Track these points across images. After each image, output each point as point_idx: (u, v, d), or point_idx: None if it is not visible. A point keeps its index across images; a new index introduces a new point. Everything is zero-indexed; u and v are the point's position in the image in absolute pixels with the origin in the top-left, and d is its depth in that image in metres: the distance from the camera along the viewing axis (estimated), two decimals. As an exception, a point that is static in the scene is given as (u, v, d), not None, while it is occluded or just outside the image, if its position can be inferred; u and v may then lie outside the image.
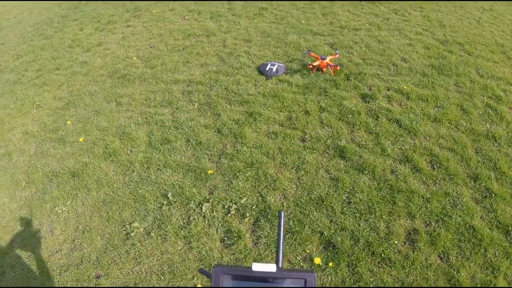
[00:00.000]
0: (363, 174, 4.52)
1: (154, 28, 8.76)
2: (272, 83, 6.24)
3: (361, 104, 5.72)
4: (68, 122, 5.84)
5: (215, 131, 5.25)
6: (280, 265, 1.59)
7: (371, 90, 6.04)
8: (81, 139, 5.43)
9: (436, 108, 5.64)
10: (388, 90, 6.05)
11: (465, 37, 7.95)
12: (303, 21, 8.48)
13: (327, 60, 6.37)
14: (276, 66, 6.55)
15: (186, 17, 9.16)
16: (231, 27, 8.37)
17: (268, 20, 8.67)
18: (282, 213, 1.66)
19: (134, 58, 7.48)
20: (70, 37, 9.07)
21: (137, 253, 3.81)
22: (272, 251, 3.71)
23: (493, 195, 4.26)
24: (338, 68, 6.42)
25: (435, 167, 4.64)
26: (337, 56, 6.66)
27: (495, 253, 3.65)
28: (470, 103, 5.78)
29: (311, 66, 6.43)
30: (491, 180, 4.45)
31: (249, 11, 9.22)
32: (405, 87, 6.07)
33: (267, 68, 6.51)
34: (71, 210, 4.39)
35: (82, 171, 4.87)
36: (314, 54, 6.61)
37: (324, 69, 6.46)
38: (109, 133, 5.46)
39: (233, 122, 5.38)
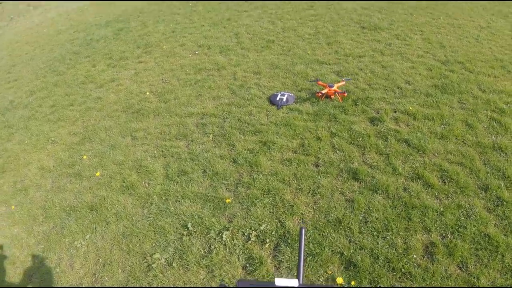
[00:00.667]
0: (377, 193, 4.61)
1: (165, 63, 8.99)
2: (283, 112, 6.39)
3: (370, 127, 5.86)
4: (84, 157, 5.97)
5: (230, 161, 5.37)
6: (301, 281, 1.65)
7: (378, 113, 6.19)
8: (98, 174, 5.54)
9: (442, 126, 5.78)
10: (395, 112, 6.20)
11: (465, 55, 8.14)
12: (309, 52, 8.69)
13: (335, 87, 6.55)
14: (286, 96, 6.71)
15: (196, 52, 9.39)
16: (240, 60, 8.58)
17: (276, 52, 8.88)
18: (303, 229, 1.73)
19: (148, 93, 7.67)
20: (83, 73, 9.32)
21: (159, 284, 3.86)
22: (295, 274, 3.77)
23: (504, 202, 4.35)
24: (346, 94, 6.58)
25: (446, 181, 4.74)
26: (344, 83, 6.83)
27: (513, 258, 3.73)
28: (474, 118, 5.93)
29: (319, 94, 6.60)
30: (501, 189, 4.55)
31: (257, 44, 9.46)
32: (411, 108, 6.21)
33: (277, 98, 6.68)
34: (90, 244, 4.45)
35: (100, 205, 4.96)
36: (321, 83, 6.79)
37: (333, 96, 6.62)
38: (126, 167, 5.58)
39: (248, 151, 5.50)
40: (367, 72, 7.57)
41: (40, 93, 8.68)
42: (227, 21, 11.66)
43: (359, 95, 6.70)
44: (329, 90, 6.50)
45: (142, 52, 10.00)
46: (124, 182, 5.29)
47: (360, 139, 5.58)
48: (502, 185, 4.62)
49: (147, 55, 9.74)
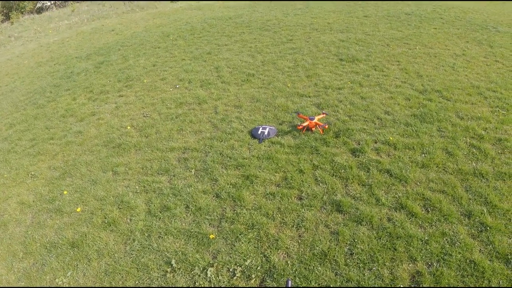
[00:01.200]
0: (361, 225, 4.66)
1: (146, 97, 9.00)
2: (265, 146, 6.44)
3: (352, 158, 5.95)
4: (65, 192, 5.90)
5: (213, 196, 5.36)
6: None
7: (359, 144, 6.29)
8: (78, 209, 5.47)
9: (423, 155, 5.92)
10: (376, 142, 6.33)
11: (442, 84, 8.40)
12: (289, 85, 8.82)
13: (315, 120, 6.64)
14: (267, 129, 6.78)
15: (177, 86, 9.45)
16: (221, 94, 8.65)
17: (256, 85, 8.99)
18: (289, 281, 1.75)
19: (129, 127, 7.65)
20: (63, 106, 9.27)
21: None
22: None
23: (488, 228, 4.46)
24: (327, 126, 6.68)
25: (429, 210, 4.84)
26: (324, 115, 6.94)
27: (499, 283, 3.80)
28: (454, 145, 6.12)
29: (301, 127, 6.68)
30: (484, 214, 4.67)
31: (237, 77, 9.57)
32: (391, 138, 6.35)
33: (259, 132, 6.74)
34: (72, 281, 4.37)
35: (81, 241, 4.89)
36: (302, 115, 6.88)
37: (313, 129, 6.72)
38: (107, 203, 5.52)
39: (231, 186, 5.51)
40: (346, 103, 7.71)
41: (20, 126, 8.61)
42: (208, 55, 11.79)
43: (339, 127, 6.81)
44: (310, 122, 6.60)
45: (123, 86, 10.01)
46: (105, 218, 5.23)
47: (343, 170, 5.65)
48: (485, 210, 4.74)
49: (128, 89, 9.76)
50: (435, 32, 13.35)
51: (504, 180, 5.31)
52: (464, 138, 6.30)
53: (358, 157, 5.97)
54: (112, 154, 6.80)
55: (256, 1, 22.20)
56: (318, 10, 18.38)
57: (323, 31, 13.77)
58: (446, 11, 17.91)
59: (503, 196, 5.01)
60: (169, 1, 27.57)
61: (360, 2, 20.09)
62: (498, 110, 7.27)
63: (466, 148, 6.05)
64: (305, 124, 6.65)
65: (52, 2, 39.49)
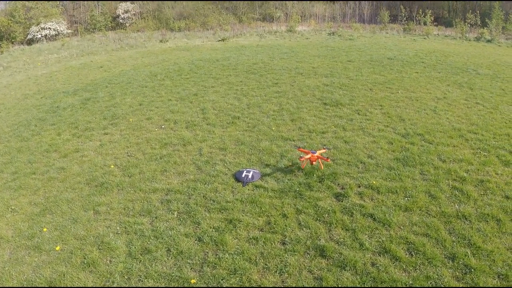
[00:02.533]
0: (345, 270, 4.67)
1: (131, 136, 9.03)
2: (248, 189, 6.47)
3: (335, 203, 6.01)
4: (44, 230, 5.80)
5: (195, 240, 5.33)
6: None
7: (343, 189, 6.38)
8: (58, 248, 5.38)
9: (406, 198, 6.02)
10: (359, 187, 6.42)
11: (424, 127, 8.65)
12: (274, 128, 8.95)
13: (317, 153, 6.73)
14: (251, 172, 6.84)
15: (163, 126, 9.51)
16: (206, 136, 8.72)
17: (241, 128, 9.11)
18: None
19: (112, 166, 7.63)
20: (48, 141, 9.23)
21: None
22: None
23: (472, 270, 4.52)
24: (329, 160, 6.79)
25: (413, 253, 4.88)
26: (325, 150, 7.07)
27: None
28: (436, 188, 6.25)
29: (303, 159, 6.73)
30: (468, 256, 4.74)
31: (223, 120, 9.70)
32: (374, 182, 6.45)
33: (243, 175, 6.79)
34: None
35: (59, 281, 4.79)
36: (303, 149, 6.98)
37: (314, 162, 6.78)
38: (87, 243, 5.44)
39: (213, 229, 5.49)
40: (330, 147, 7.83)
41: (3, 158, 8.55)
42: (194, 96, 11.95)
43: (323, 171, 6.89)
44: (312, 156, 6.67)
45: (108, 124, 10.03)
46: (85, 258, 5.15)
47: (326, 215, 5.70)
48: (469, 252, 4.82)
49: (113, 127, 9.78)
50: (417, 76, 13.79)
51: (487, 221, 5.43)
52: (446, 181, 6.46)
53: (342, 201, 6.03)
54: (94, 192, 6.74)
55: (243, 44, 22.63)
56: (304, 55, 18.82)
57: (308, 75, 14.10)
58: (427, 55, 18.51)
59: (486, 237, 5.11)
60: (158, 41, 27.98)
61: (344, 47, 20.63)
62: (480, 152, 7.51)
63: (449, 190, 6.20)
64: (307, 156, 6.71)
65: (43, 34, 39.85)
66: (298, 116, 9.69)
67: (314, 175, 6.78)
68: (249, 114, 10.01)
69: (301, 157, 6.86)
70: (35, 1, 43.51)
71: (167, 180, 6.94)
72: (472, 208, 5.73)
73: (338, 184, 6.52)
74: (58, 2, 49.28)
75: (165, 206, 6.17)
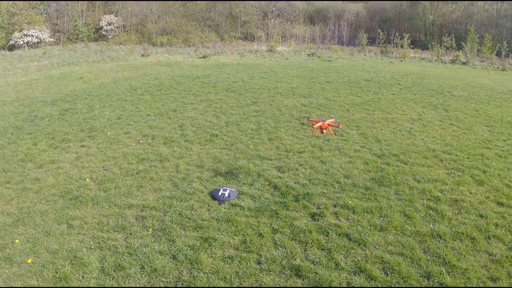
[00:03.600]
0: (321, 290, 4.71)
1: (108, 150, 8.99)
2: (225, 208, 6.50)
3: (311, 223, 6.09)
4: (17, 241, 5.71)
5: (170, 257, 5.33)
6: None
7: (319, 208, 6.47)
8: (29, 260, 5.30)
9: (381, 218, 6.14)
10: (335, 207, 6.52)
11: (399, 148, 8.88)
12: (251, 147, 9.04)
13: (328, 122, 6.81)
14: (228, 191, 6.88)
15: (140, 141, 9.50)
16: (184, 153, 8.74)
17: (219, 146, 9.17)
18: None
19: (88, 179, 7.58)
20: (23, 150, 9.11)
21: None
22: None
23: None
24: (340, 126, 6.91)
25: (388, 273, 4.98)
26: (333, 119, 7.17)
27: None
28: (411, 208, 6.41)
29: (314, 127, 6.78)
30: (443, 275, 4.87)
31: (201, 137, 9.75)
32: (350, 202, 6.57)
33: (219, 193, 6.83)
34: None
35: (30, 296, 4.73)
36: (312, 119, 7.07)
37: (325, 131, 6.85)
38: (60, 257, 5.39)
39: (188, 247, 5.49)
40: (307, 167, 7.97)
41: (-24, 166, 8.39)
42: (173, 112, 12.01)
43: (299, 191, 6.98)
44: (323, 123, 6.74)
45: (85, 136, 9.98)
46: (56, 272, 5.09)
47: (302, 235, 5.77)
48: (444, 271, 4.96)
49: (91, 139, 9.73)
50: (393, 98, 14.12)
51: (462, 239, 5.60)
52: (421, 201, 6.64)
53: (318, 221, 6.11)
54: (69, 206, 6.68)
55: (224, 62, 22.78)
56: (283, 75, 19.07)
57: (286, 95, 14.31)
58: (404, 78, 18.96)
59: (461, 256, 5.26)
60: (140, 55, 27.98)
61: (322, 68, 20.94)
62: (454, 172, 7.75)
63: (424, 210, 6.37)
64: (318, 124, 6.76)
65: (25, 41, 39.48)
66: (276, 136, 9.81)
67: (290, 194, 6.86)
68: (227, 132, 10.10)
69: (313, 124, 6.91)
70: (20, 7, 43.06)
71: (142, 196, 6.92)
72: (447, 227, 5.89)
73: (314, 204, 6.62)
74: (42, 9, 48.91)
75: (140, 222, 6.15)
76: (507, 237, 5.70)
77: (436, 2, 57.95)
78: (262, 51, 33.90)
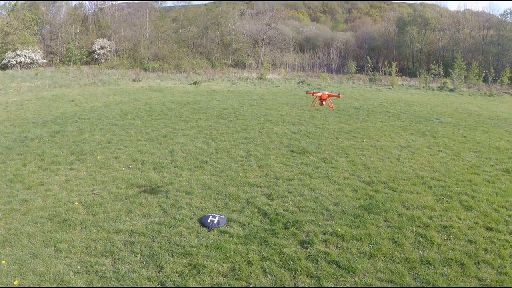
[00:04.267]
0: (310, 318, 4.74)
1: (97, 174, 8.99)
2: (214, 235, 6.50)
3: (301, 250, 6.09)
4: (3, 262, 5.66)
5: (158, 284, 5.31)
6: None
7: (308, 236, 6.49)
8: (16, 282, 5.26)
9: (371, 245, 6.18)
10: (324, 234, 6.54)
11: (388, 175, 9.00)
12: (241, 174, 9.11)
13: (328, 92, 6.87)
14: (217, 218, 6.90)
15: (130, 166, 9.52)
16: (173, 179, 8.75)
17: (209, 172, 9.21)
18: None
19: (76, 203, 7.55)
20: (12, 171, 9.08)
21: None
22: None
23: None
24: (341, 96, 6.99)
25: None
26: (332, 92, 7.25)
27: None
28: (400, 235, 6.46)
29: (315, 95, 6.91)
30: None
31: (191, 163, 9.79)
32: (339, 230, 6.60)
33: (208, 220, 6.84)
34: None
35: (13, 319, 4.72)
36: (311, 92, 7.17)
37: (325, 102, 6.90)
38: (46, 280, 5.34)
39: (177, 274, 5.48)
40: (296, 195, 8.03)
41: (-36, 183, 8.35)
42: (163, 138, 12.10)
43: (289, 218, 7.02)
44: (323, 93, 6.80)
45: (75, 159, 9.98)
46: (43, 296, 5.08)
47: (291, 262, 5.78)
48: None
49: (80, 163, 9.74)
50: (382, 125, 14.36)
51: (451, 265, 5.66)
52: (410, 227, 6.70)
53: (307, 248, 6.13)
54: (57, 229, 6.64)
55: (215, 89, 22.99)
56: (273, 102, 19.30)
57: (276, 123, 14.49)
58: (392, 105, 19.28)
59: (450, 282, 5.32)
60: (132, 80, 28.17)
61: (312, 96, 21.24)
62: (443, 198, 7.88)
63: (413, 237, 6.43)
64: (319, 94, 6.80)
65: (18, 61, 39.61)
66: (265, 163, 9.90)
67: (280, 222, 6.89)
68: (217, 159, 10.17)
69: (314, 92, 6.95)
70: (14, 27, 43.35)
71: (131, 222, 6.90)
72: (436, 253, 5.95)
73: (303, 231, 6.64)
74: (36, 30, 49.32)
75: (128, 248, 6.13)
76: (497, 261, 5.78)
77: (423, 30, 59.19)
78: (253, 79, 34.28)
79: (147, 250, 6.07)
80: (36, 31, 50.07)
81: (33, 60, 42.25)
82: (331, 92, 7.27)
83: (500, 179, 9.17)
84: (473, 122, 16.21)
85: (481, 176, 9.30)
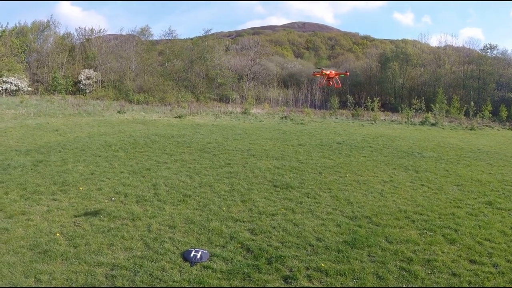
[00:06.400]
0: None
1: (80, 205, 8.95)
2: (196, 270, 6.48)
3: (284, 286, 6.11)
4: (-18, 292, 5.64)
5: (139, 319, 5.31)
6: None
7: (292, 271, 6.50)
8: (-6, 315, 5.24)
9: (354, 280, 6.22)
10: (308, 269, 6.56)
11: (371, 210, 9.12)
12: (224, 208, 9.15)
13: (335, 71, 6.94)
14: (200, 252, 6.89)
15: (113, 199, 9.50)
16: (156, 212, 8.73)
17: (192, 207, 9.22)
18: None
19: (58, 234, 7.49)
20: (-6, 198, 8.99)
21: None
22: None
23: None
24: (348, 74, 7.03)
25: None
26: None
27: None
28: (384, 269, 6.52)
29: (323, 72, 6.94)
30: None
31: (174, 197, 9.81)
32: (323, 265, 6.63)
33: (191, 255, 6.82)
34: None
35: None
36: (317, 73, 7.26)
37: (331, 82, 6.97)
38: (26, 312, 5.33)
39: (159, 309, 5.47)
40: (279, 230, 8.06)
41: None
42: (147, 171, 12.13)
43: (272, 254, 7.04)
44: (330, 72, 6.86)
45: (57, 190, 9.94)
46: (21, 332, 5.02)
47: (276, 298, 5.77)
48: None
49: (63, 193, 9.70)
50: (364, 160, 14.60)
51: None
52: (394, 262, 6.76)
53: (291, 284, 6.14)
54: (37, 259, 6.57)
55: (199, 123, 23.14)
56: (257, 137, 19.51)
57: (259, 157, 14.64)
58: (374, 140, 19.61)
59: None
60: (116, 111, 28.29)
61: (295, 131, 21.47)
62: (426, 232, 7.99)
63: (397, 271, 6.48)
64: (327, 72, 6.85)
65: (4, 88, 39.52)
66: (248, 198, 9.97)
67: (263, 257, 6.91)
68: (200, 193, 10.21)
69: (322, 69, 7.00)
70: (1, 53, 43.41)
71: (113, 255, 6.85)
72: (420, 287, 6.01)
73: (287, 267, 6.65)
74: (23, 58, 49.47)
75: (110, 281, 6.08)
76: (481, 294, 5.84)
77: (405, 66, 60.46)
78: (237, 113, 34.66)
79: (129, 284, 6.03)
80: (23, 59, 50.14)
81: (18, 88, 42.19)
82: (338, 70, 7.47)
83: (482, 212, 9.39)
84: (455, 156, 16.59)
85: (464, 209, 9.51)
